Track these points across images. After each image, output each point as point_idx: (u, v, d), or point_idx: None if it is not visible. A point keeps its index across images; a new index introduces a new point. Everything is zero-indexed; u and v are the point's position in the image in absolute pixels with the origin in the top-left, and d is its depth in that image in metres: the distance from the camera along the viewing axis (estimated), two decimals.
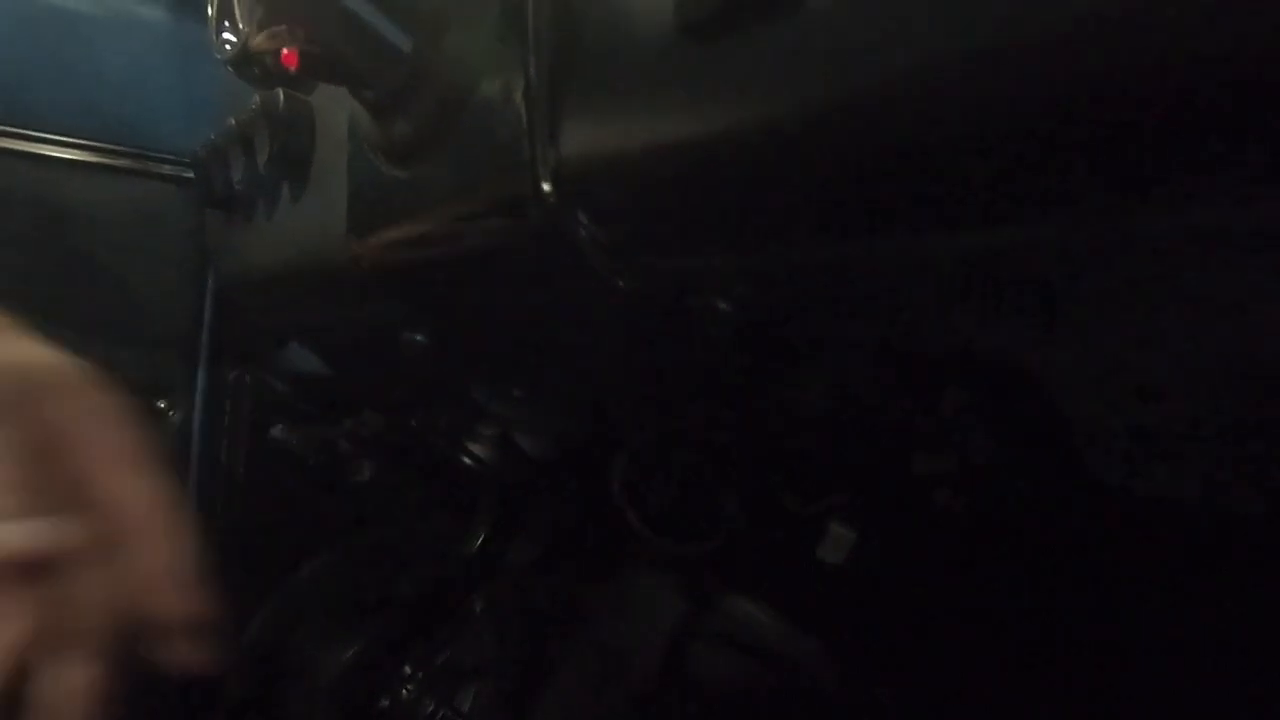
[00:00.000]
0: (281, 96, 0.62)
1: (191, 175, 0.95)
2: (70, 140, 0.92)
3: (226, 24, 0.53)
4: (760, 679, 1.05)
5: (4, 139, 0.89)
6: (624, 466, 0.91)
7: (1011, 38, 0.19)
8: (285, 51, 0.42)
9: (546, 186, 0.35)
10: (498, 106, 0.37)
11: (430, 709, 1.11)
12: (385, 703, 1.11)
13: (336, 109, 0.55)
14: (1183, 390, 0.26)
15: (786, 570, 1.02)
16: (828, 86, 0.24)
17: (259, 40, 0.44)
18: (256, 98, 0.62)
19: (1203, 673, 0.55)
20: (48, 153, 0.91)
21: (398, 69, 0.40)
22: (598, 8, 0.33)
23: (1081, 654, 0.67)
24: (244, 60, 0.49)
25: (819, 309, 0.33)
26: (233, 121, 0.67)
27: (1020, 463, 0.35)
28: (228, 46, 0.52)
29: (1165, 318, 0.25)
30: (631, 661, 1.15)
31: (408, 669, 1.12)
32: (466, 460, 0.92)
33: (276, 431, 1.04)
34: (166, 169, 0.98)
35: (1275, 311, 0.22)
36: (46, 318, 0.88)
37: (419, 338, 0.59)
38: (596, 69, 0.33)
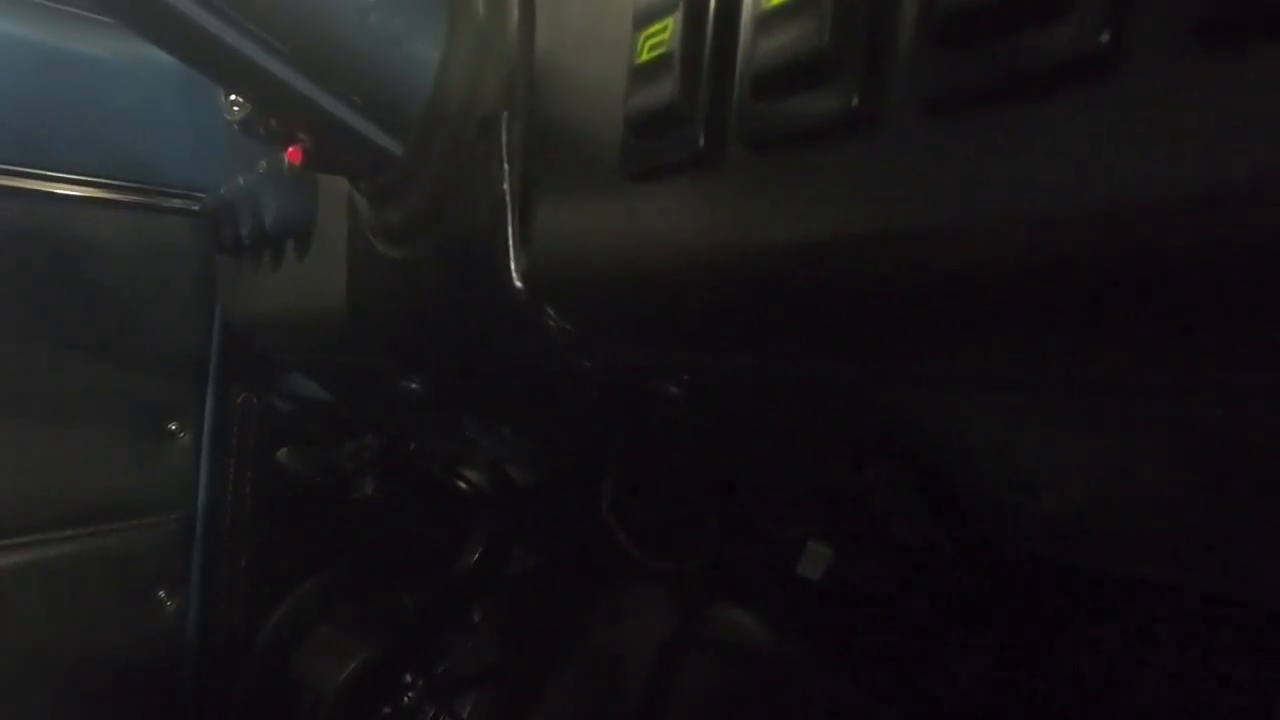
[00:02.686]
0: (287, 160, 0.66)
1: (198, 208, 1.00)
2: (82, 178, 0.96)
3: None
4: (747, 683, 1.09)
5: (18, 179, 0.92)
6: (612, 489, 0.96)
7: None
8: (290, 149, 0.47)
9: (518, 283, 0.40)
10: (477, 207, 0.42)
11: (431, 715, 1.16)
12: (387, 710, 1.15)
13: (339, 178, 0.60)
14: (1051, 488, 0.31)
15: (770, 583, 1.07)
16: (735, 234, 0.29)
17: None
18: (263, 161, 0.67)
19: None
20: (60, 191, 0.95)
21: (389, 169, 0.45)
22: (562, 136, 0.38)
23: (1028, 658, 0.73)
24: (252, 122, 0.53)
25: (751, 399, 0.38)
26: (241, 180, 0.71)
27: (932, 519, 0.40)
28: (235, 108, 0.57)
29: (1035, 434, 0.30)
30: (624, 668, 1.20)
31: (409, 677, 1.16)
32: (461, 485, 0.97)
33: (282, 453, 1.09)
34: (175, 202, 1.02)
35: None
36: (62, 345, 0.93)
37: (414, 385, 0.64)
38: (561, 187, 0.38)
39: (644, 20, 0.31)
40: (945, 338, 0.25)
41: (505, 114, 0.41)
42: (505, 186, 0.40)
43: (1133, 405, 0.25)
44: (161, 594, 1.04)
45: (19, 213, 0.93)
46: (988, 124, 0.22)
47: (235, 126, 0.56)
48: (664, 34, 0.30)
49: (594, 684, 1.22)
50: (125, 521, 1.01)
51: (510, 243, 0.40)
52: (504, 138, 0.40)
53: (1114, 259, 0.20)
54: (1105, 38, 0.19)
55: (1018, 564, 0.74)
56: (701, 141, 0.29)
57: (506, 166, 0.40)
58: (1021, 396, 0.27)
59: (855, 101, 0.24)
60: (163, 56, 1.06)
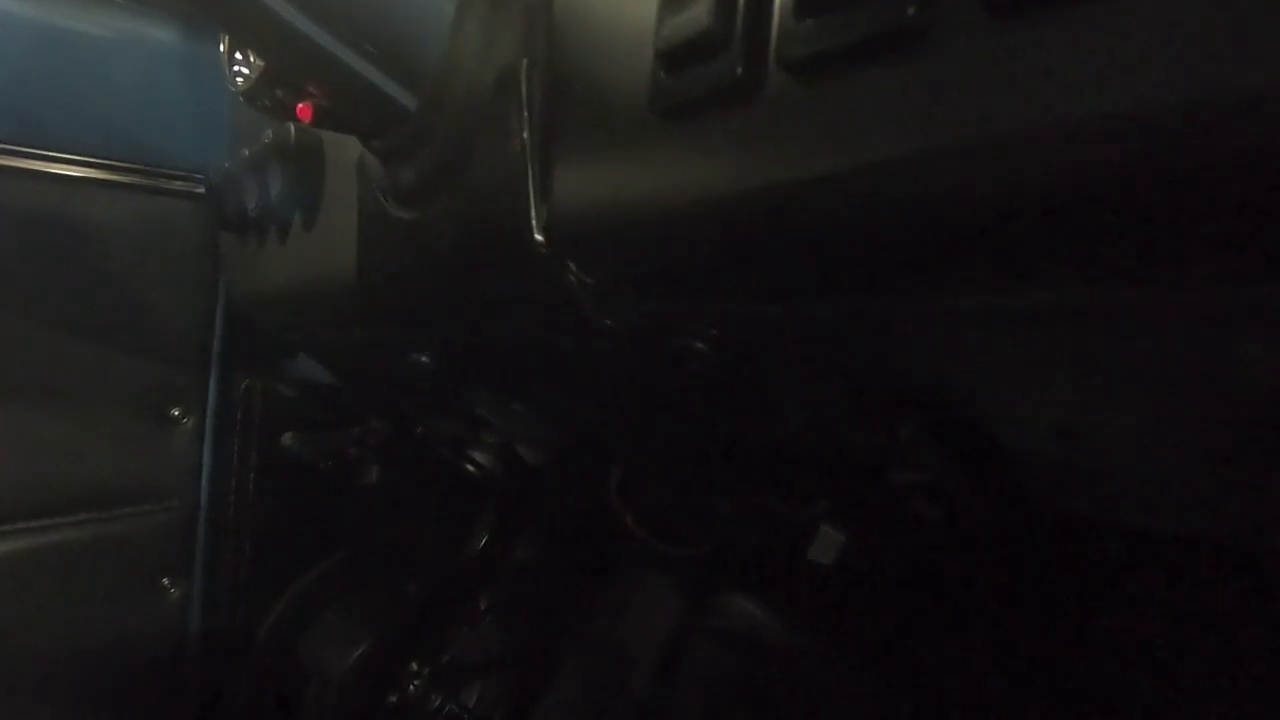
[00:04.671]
0: (293, 130, 0.65)
1: (202, 190, 0.98)
2: (82, 159, 0.95)
3: (239, 56, 0.55)
4: (757, 673, 1.08)
5: (18, 159, 0.91)
6: (621, 473, 0.95)
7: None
8: (299, 106, 0.45)
9: (538, 236, 0.39)
10: (495, 161, 0.41)
11: (437, 704, 1.15)
12: (393, 699, 1.14)
13: (346, 144, 0.58)
14: (1097, 432, 0.30)
15: (780, 570, 1.06)
16: (778, 167, 0.28)
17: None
18: (269, 131, 0.66)
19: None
20: (61, 171, 0.94)
21: (403, 124, 0.43)
22: (585, 79, 0.36)
23: (1044, 645, 0.72)
24: (257, 93, 0.52)
25: (784, 351, 0.37)
26: (246, 152, 0.70)
27: (968, 482, 0.39)
28: (240, 79, 0.56)
29: (1080, 376, 0.28)
30: (632, 657, 1.19)
31: (414, 666, 1.16)
32: (469, 467, 0.95)
33: (286, 438, 1.07)
34: (177, 184, 1.00)
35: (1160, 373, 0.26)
36: (64, 329, 0.92)
37: (424, 359, 0.63)
38: (584, 134, 0.36)
39: None
40: (1010, 259, 0.24)
41: (524, 61, 0.39)
42: (525, 136, 0.38)
43: (1194, 331, 0.24)
44: (165, 581, 1.03)
45: (18, 193, 0.91)
46: (1053, 23, 0.21)
47: (239, 97, 0.55)
48: None
49: (601, 672, 1.22)
50: (128, 508, 0.99)
51: (531, 195, 0.39)
52: (523, 86, 0.39)
53: (1198, 162, 0.19)
54: None
55: (1038, 539, 0.73)
56: (739, 70, 0.28)
57: (526, 115, 0.39)
58: (1077, 329, 0.26)
59: (911, 10, 0.23)
60: (164, 35, 1.05)
